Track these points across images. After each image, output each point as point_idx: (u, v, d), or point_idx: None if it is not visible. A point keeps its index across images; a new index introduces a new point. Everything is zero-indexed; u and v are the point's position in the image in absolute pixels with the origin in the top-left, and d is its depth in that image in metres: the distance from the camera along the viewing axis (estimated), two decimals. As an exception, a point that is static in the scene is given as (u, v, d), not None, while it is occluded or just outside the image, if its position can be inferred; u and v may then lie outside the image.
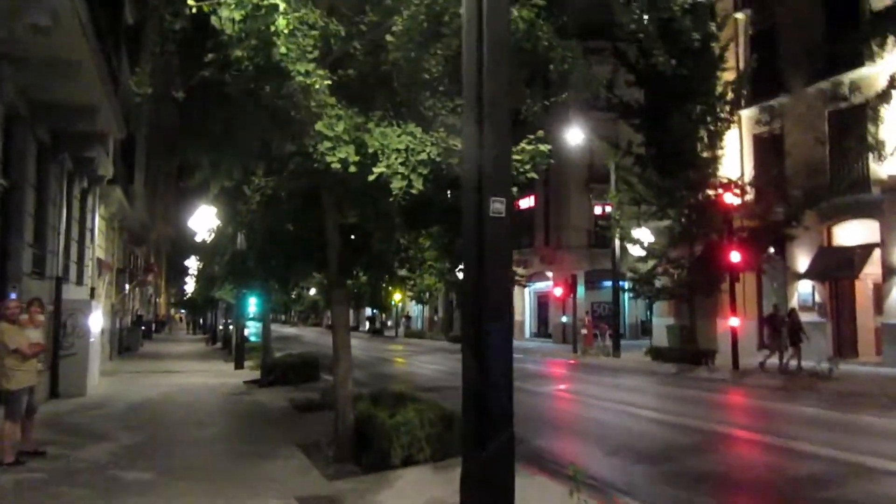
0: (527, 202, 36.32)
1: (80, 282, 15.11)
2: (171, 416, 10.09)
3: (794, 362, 16.10)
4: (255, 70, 5.31)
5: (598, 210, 35.81)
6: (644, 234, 22.97)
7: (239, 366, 18.07)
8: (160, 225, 31.58)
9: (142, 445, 7.90)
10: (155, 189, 28.22)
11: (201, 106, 10.25)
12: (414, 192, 4.99)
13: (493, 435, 3.49)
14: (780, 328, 16.64)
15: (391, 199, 5.15)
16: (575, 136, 25.80)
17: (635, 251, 23.53)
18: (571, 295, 27.59)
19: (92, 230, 16.52)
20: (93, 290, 16.50)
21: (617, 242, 23.92)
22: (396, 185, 4.86)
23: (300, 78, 4.97)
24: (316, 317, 79.45)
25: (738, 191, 18.76)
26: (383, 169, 4.84)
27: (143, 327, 29.47)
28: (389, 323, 54.55)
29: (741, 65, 21.30)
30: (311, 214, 8.09)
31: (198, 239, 18.39)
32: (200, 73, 5.60)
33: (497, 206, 3.66)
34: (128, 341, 26.10)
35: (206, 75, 5.57)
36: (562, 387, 14.11)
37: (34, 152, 10.54)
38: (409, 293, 43.57)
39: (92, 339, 12.91)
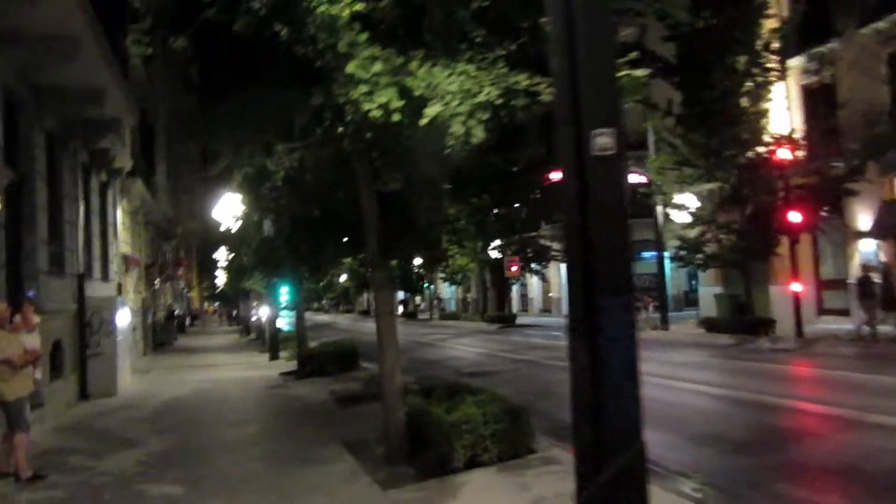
0: (557, 174, 35.07)
1: (105, 278, 14.54)
2: (205, 416, 9.39)
3: (867, 327, 14.85)
4: (269, 8, 4.41)
5: (633, 179, 34.49)
6: (687, 200, 21.75)
7: (274, 357, 17.44)
8: (186, 218, 31.16)
9: (173, 451, 7.17)
10: (178, 181, 27.73)
11: (218, 83, 9.42)
12: (474, 141, 4.06)
13: (614, 453, 2.55)
14: (873, 291, 15.00)
15: (443, 153, 4.22)
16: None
17: (680, 218, 22.33)
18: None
19: (115, 225, 15.94)
20: (120, 286, 15.95)
21: (659, 210, 22.70)
22: (455, 129, 3.94)
23: (323, 7, 4.04)
24: (348, 303, 79.26)
25: (791, 146, 17.41)
26: (439, 109, 3.90)
27: (175, 322, 29.15)
28: (421, 306, 53.94)
29: (786, 10, 19.80)
30: (343, 187, 7.24)
31: (223, 229, 17.70)
32: (202, 16, 4.71)
33: (603, 140, 2.73)
34: (161, 336, 25.77)
35: (209, 19, 4.68)
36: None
37: (43, 143, 9.83)
38: (442, 274, 42.78)
39: (120, 337, 12.31)
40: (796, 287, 16.45)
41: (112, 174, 15.25)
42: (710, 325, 19.37)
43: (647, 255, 34.61)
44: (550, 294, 38.19)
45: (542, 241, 33.45)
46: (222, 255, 36.09)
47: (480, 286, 47.95)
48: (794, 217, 16.17)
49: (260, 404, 10.28)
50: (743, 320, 18.35)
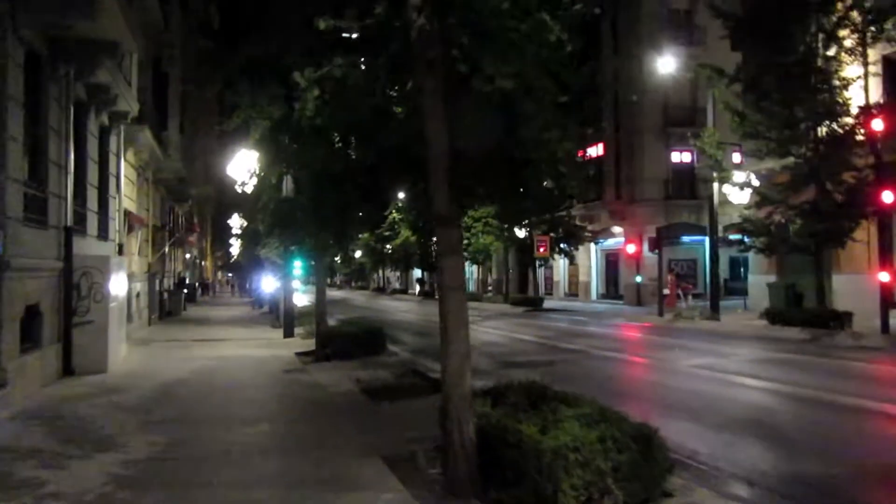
0: (594, 150, 32.94)
1: (103, 236, 12.80)
2: (207, 407, 7.62)
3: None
4: None
5: (675, 157, 32.28)
6: (744, 178, 19.68)
7: (288, 334, 15.70)
8: (200, 181, 29.40)
9: (160, 461, 5.39)
10: (193, 138, 25.93)
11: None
12: None
13: None
14: None
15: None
16: (664, 64, 22.37)
17: (739, 198, 20.24)
18: (656, 251, 24.40)
19: (117, 177, 14.16)
20: (120, 246, 14.23)
21: (715, 188, 20.60)
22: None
23: None
24: (363, 280, 77.68)
25: (886, 117, 15.23)
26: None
27: (185, 290, 27.57)
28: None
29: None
30: (389, 118, 5.37)
31: (238, 189, 15.88)
32: None
33: None
34: (170, 305, 24.19)
35: None
36: (689, 362, 11.24)
37: (20, 58, 7.98)
38: (464, 254, 40.92)
39: (113, 304, 10.57)
40: (884, 277, 14.40)
41: (115, 119, 13.44)
42: (773, 316, 17.35)
43: (686, 239, 32.50)
44: (580, 278, 36.19)
45: (576, 222, 31.40)
46: (236, 223, 34.49)
47: (503, 267, 46.07)
48: (887, 197, 14.06)
49: (274, 394, 8.50)
50: (814, 312, 16.33)
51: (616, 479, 3.95)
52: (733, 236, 22.77)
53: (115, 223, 14.07)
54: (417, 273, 56.06)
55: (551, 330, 18.51)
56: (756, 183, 18.91)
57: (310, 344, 13.73)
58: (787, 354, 12.35)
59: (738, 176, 19.87)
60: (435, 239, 5.07)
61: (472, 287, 50.89)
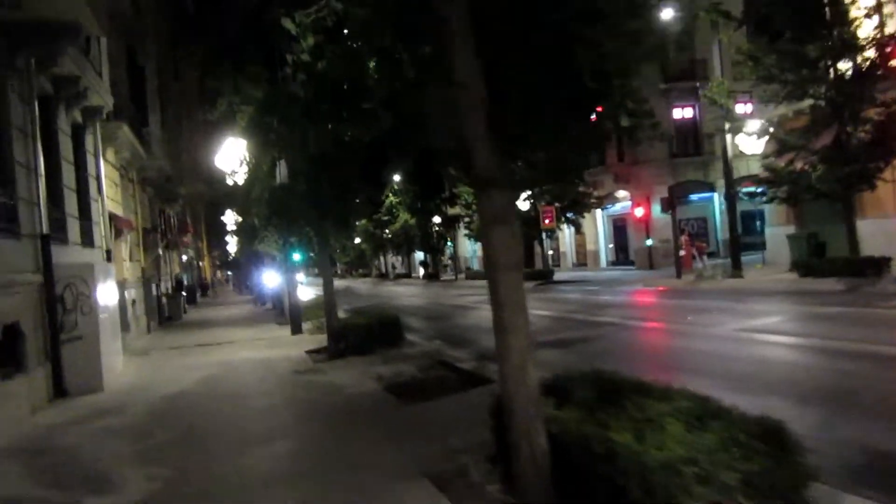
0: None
1: (87, 242, 11.83)
2: (215, 424, 6.73)
3: None
4: None
5: (677, 114, 31.24)
6: (758, 126, 18.72)
7: (296, 331, 14.81)
8: (189, 179, 28.31)
9: (163, 501, 4.51)
10: (177, 134, 24.83)
11: None
12: None
13: None
14: None
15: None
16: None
17: (754, 148, 19.31)
18: (668, 212, 23.50)
19: (98, 179, 13.16)
20: (108, 252, 13.27)
21: (728, 140, 19.63)
22: None
23: None
24: (364, 267, 76.68)
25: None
26: None
27: (184, 293, 26.64)
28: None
29: None
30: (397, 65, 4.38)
31: (229, 181, 14.89)
32: None
33: None
34: (169, 310, 23.28)
35: None
36: (735, 325, 10.36)
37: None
38: (466, 231, 39.92)
39: (103, 315, 9.64)
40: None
41: (88, 115, 12.41)
42: (803, 268, 16.47)
43: (695, 197, 31.59)
44: (587, 247, 35.31)
45: (581, 189, 30.42)
46: (231, 219, 33.45)
47: (505, 242, 45.02)
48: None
49: (288, 400, 7.61)
50: (847, 261, 15.47)
51: (747, 494, 3.05)
52: (747, 189, 21.89)
53: (101, 228, 13.10)
54: (420, 256, 55.21)
55: (570, 303, 17.64)
56: (773, 130, 17.94)
57: (320, 340, 12.85)
58: (834, 308, 11.49)
59: (752, 125, 18.92)
60: (476, 209, 4.12)
61: (475, 265, 50.06)
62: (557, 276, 29.39)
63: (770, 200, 18.25)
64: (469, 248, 51.40)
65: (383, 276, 62.31)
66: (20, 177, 8.38)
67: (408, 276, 56.11)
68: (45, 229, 8.84)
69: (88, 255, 11.62)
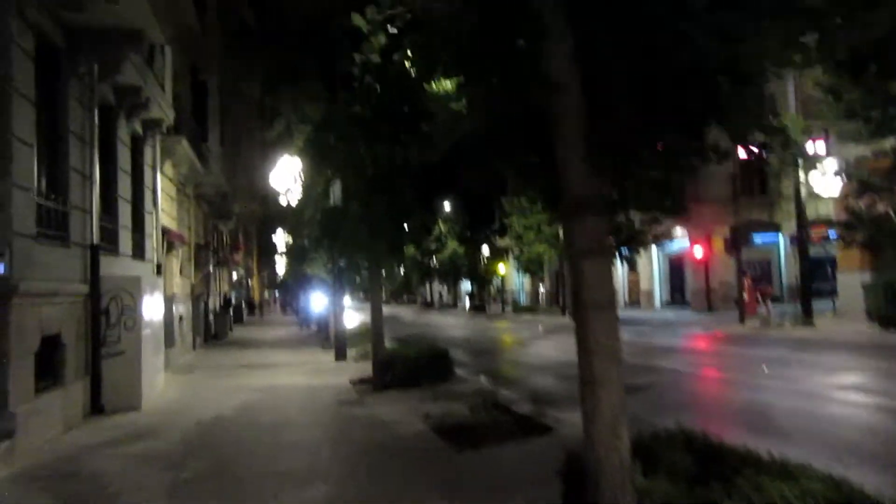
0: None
1: (138, 254, 11.67)
2: (251, 456, 6.23)
3: None
4: None
5: (742, 151, 30.05)
6: (833, 166, 17.69)
7: (340, 357, 14.36)
8: (244, 197, 28.53)
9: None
10: (235, 152, 25.07)
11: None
12: None
13: None
14: None
15: None
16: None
17: (828, 189, 18.21)
18: (731, 253, 22.38)
19: (154, 191, 13.09)
20: (159, 266, 13.12)
21: (802, 178, 18.57)
22: None
23: None
24: (409, 294, 76.45)
25: None
26: None
27: (232, 311, 26.64)
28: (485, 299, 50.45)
29: None
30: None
31: (282, 200, 14.69)
32: None
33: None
34: (215, 327, 23.23)
35: None
36: (826, 380, 9.38)
37: (29, 45, 6.82)
38: (516, 263, 39.22)
39: (147, 331, 9.35)
40: None
41: (149, 127, 12.38)
42: (887, 320, 15.23)
43: (758, 239, 30.17)
44: (641, 285, 34.11)
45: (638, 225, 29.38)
46: (281, 239, 33.63)
47: (555, 277, 44.18)
48: None
49: (329, 436, 7.07)
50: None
51: None
52: (817, 231, 20.68)
53: (153, 241, 12.98)
54: (466, 286, 54.63)
55: (625, 344, 16.71)
56: (853, 170, 16.87)
57: (364, 369, 12.36)
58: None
59: (828, 164, 17.88)
60: (561, 234, 3.55)
61: (522, 299, 49.18)
62: (609, 314, 28.35)
63: (848, 244, 17.06)
64: (516, 281, 50.60)
65: (428, 305, 61.86)
66: (74, 184, 8.20)
67: (453, 306, 55.53)
68: (95, 239, 8.63)
69: (138, 268, 11.45)
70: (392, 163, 10.40)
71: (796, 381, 9.67)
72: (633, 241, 20.82)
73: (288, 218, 19.55)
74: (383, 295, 71.71)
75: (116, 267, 9.96)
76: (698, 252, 28.31)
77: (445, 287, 61.26)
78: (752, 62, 2.90)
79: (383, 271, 12.24)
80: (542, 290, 46.48)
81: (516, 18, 3.12)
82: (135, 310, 8.94)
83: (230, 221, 28.66)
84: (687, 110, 3.03)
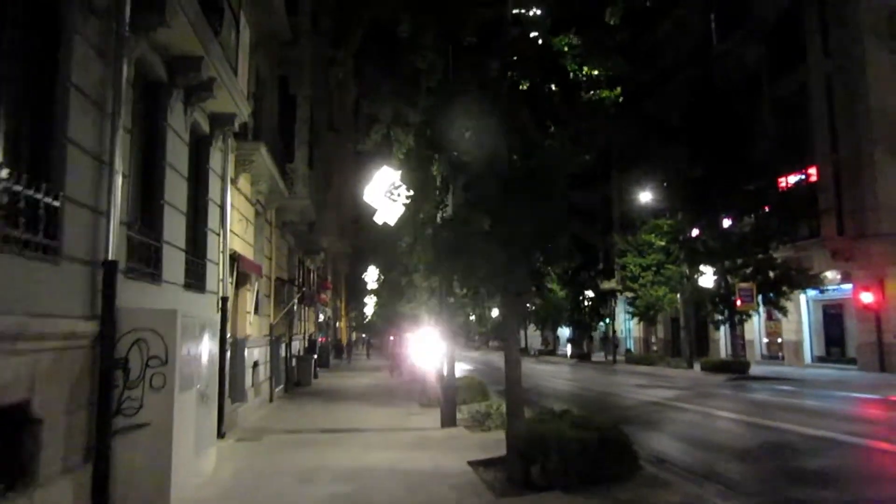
0: (797, 177, 26.44)
1: (194, 285, 8.89)
2: None
3: None
4: None
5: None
6: None
7: (449, 422, 10.99)
8: (332, 232, 26.11)
9: None
10: (324, 182, 22.70)
11: None
12: None
13: None
14: None
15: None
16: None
17: None
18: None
19: (223, 207, 10.43)
20: (224, 300, 10.34)
21: None
22: None
23: None
24: (501, 340, 72.38)
25: None
26: None
27: (316, 355, 23.95)
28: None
29: None
30: None
31: (377, 220, 11.70)
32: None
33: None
34: (298, 374, 20.51)
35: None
36: None
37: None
38: (630, 308, 34.90)
39: (186, 391, 6.36)
40: None
41: (217, 123, 9.78)
42: None
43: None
44: (784, 336, 28.93)
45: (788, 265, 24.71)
46: (372, 276, 31.05)
47: (669, 323, 39.33)
48: None
49: None
50: None
51: None
52: None
53: (219, 270, 10.25)
54: (565, 332, 50.28)
55: (795, 411, 12.63)
56: None
57: (484, 442, 9.04)
58: None
59: None
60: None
61: (630, 346, 44.38)
62: (753, 370, 23.62)
63: None
64: (623, 328, 45.89)
65: (522, 351, 57.68)
66: (72, 162, 5.37)
67: (551, 353, 51.17)
68: (112, 254, 5.77)
69: (193, 302, 8.64)
70: (542, 160, 7.30)
71: None
72: (783, 285, 15.66)
73: (383, 246, 16.71)
74: (475, 339, 67.60)
75: (157, 299, 7.13)
76: (866, 298, 23.36)
77: (540, 333, 56.99)
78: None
79: (518, 307, 8.82)
80: (654, 338, 41.69)
81: None
82: (166, 360, 5.96)
83: (318, 257, 26.27)
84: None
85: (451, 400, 11.13)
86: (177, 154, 8.15)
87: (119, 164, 5.89)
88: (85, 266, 5.50)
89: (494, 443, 9.03)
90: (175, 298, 7.86)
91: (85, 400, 5.47)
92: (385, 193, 10.30)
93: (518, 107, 7.76)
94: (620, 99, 8.02)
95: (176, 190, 8.12)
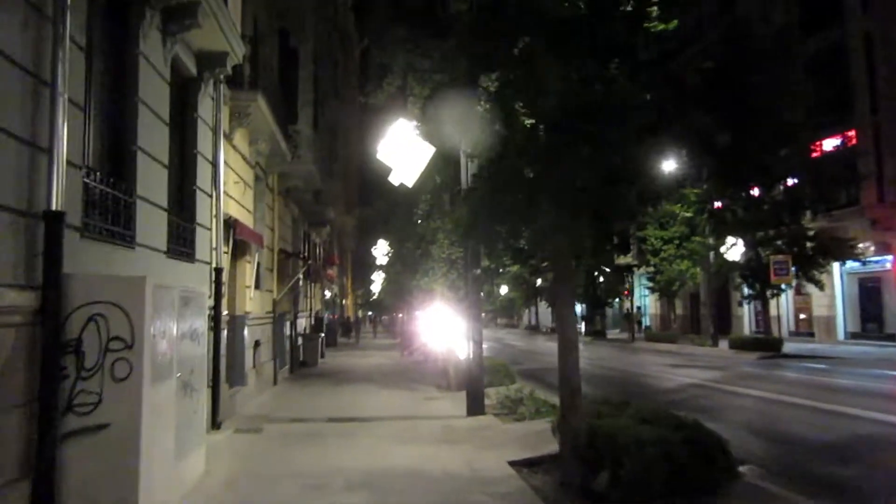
0: (832, 142, 24.79)
1: (180, 251, 7.50)
2: None
3: None
4: None
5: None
6: None
7: (476, 409, 9.63)
8: (340, 205, 24.69)
9: None
10: (330, 148, 21.19)
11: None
12: None
13: None
14: None
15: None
16: None
17: None
18: None
19: (215, 165, 9.01)
20: (218, 272, 8.96)
21: None
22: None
23: None
24: (509, 317, 71.14)
25: None
26: None
27: (323, 334, 22.66)
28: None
29: None
30: None
31: (393, 180, 10.22)
32: None
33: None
34: (304, 353, 19.25)
35: None
36: None
37: None
38: (650, 284, 33.46)
39: (164, 381, 4.98)
40: None
41: (206, 64, 8.31)
42: None
43: None
44: (815, 311, 27.48)
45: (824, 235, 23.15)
46: (381, 251, 29.67)
47: (688, 298, 37.92)
48: None
49: None
50: None
51: None
52: None
53: (211, 236, 8.85)
54: (578, 310, 48.91)
55: (841, 391, 11.31)
56: None
57: (519, 434, 7.76)
58: None
59: None
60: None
61: (648, 322, 43.02)
62: (787, 347, 22.22)
63: None
64: (639, 304, 44.46)
65: (533, 329, 56.47)
66: (13, 97, 3.95)
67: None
68: (56, 203, 4.37)
69: (180, 273, 7.27)
70: (608, 92, 5.90)
71: None
72: (820, 256, 13.74)
73: (395, 217, 15.26)
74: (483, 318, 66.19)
75: (129, 267, 5.75)
76: (910, 269, 21.83)
77: (549, 309, 55.60)
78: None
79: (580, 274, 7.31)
80: (673, 314, 40.34)
81: None
82: (132, 342, 4.58)
83: (324, 230, 24.86)
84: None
85: (478, 384, 9.77)
86: (155, 93, 6.71)
87: (64, 87, 4.46)
88: (16, 216, 4.11)
89: (534, 436, 7.69)
90: (155, 267, 6.48)
91: (21, 395, 4.11)
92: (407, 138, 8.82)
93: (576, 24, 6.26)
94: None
95: (155, 136, 6.70)
